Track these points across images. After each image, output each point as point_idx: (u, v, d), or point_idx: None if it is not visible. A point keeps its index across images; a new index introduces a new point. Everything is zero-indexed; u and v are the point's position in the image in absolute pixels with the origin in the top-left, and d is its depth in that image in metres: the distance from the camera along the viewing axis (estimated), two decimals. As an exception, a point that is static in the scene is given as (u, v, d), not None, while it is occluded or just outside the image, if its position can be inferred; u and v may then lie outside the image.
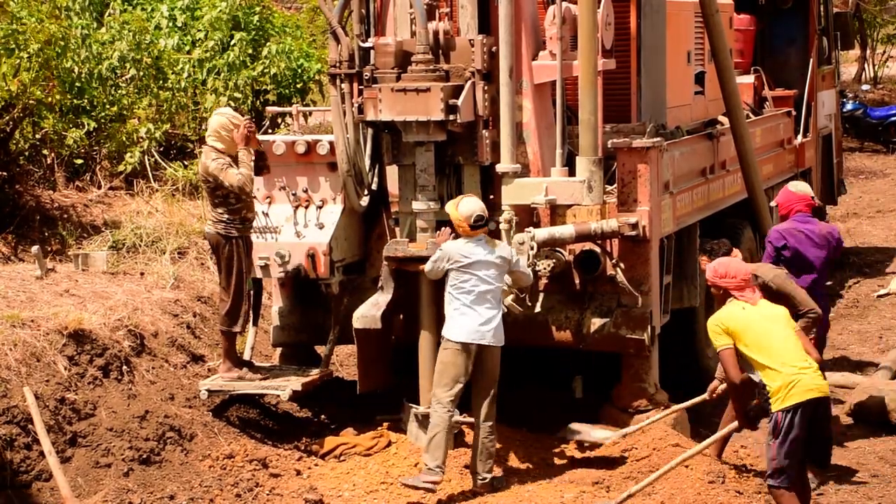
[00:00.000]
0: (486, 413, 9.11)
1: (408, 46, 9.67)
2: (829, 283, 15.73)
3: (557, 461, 9.78)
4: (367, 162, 10.24)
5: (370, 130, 10.21)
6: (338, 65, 9.88)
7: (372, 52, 9.83)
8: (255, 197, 9.99)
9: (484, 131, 9.71)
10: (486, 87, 9.61)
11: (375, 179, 10.36)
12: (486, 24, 9.80)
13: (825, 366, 12.03)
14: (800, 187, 10.18)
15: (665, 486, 8.85)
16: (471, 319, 9.01)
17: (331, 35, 9.93)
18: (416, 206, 9.70)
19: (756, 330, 7.87)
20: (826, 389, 7.86)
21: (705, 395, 9.61)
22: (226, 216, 9.71)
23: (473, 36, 9.66)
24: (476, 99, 9.60)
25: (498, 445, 9.44)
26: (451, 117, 9.43)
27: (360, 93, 9.81)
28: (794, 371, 7.72)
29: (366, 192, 10.21)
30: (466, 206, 9.10)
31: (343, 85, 9.88)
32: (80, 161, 14.37)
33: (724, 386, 9.14)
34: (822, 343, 9.85)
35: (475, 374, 9.13)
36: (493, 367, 9.13)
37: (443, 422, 9.04)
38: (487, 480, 9.06)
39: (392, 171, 10.30)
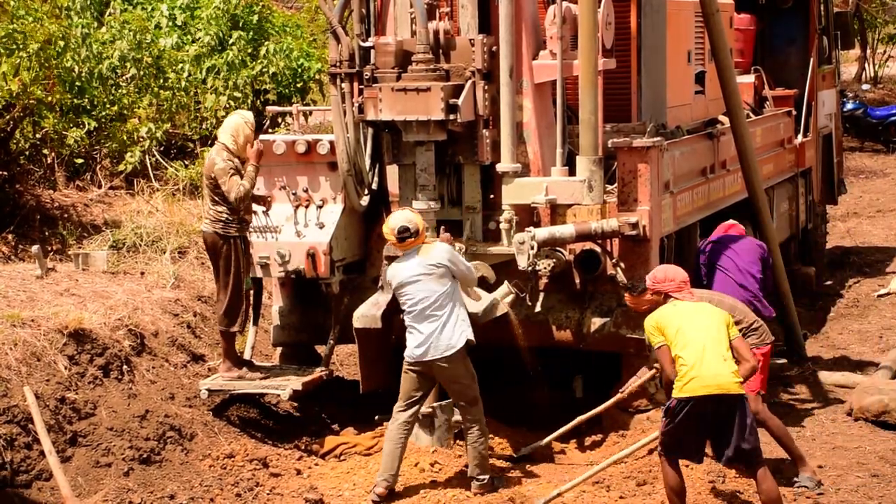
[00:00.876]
0: (468, 419, 9.06)
1: (408, 46, 9.67)
2: (829, 282, 15.76)
3: (557, 461, 9.78)
4: (368, 161, 10.23)
5: (370, 130, 10.21)
6: (338, 64, 9.88)
7: (372, 51, 9.83)
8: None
9: (484, 131, 9.71)
10: (486, 87, 9.61)
11: (376, 179, 10.35)
12: (487, 23, 9.80)
13: (826, 365, 12.09)
14: (737, 225, 11.11)
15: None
16: (413, 338, 8.95)
17: (331, 34, 9.93)
18: (417, 205, 9.70)
19: (680, 322, 8.08)
20: (731, 388, 7.86)
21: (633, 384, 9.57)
22: (225, 215, 9.70)
23: (474, 35, 9.67)
24: (476, 98, 9.60)
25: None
26: (452, 117, 9.43)
27: (361, 92, 9.81)
28: (699, 363, 7.87)
29: (366, 191, 10.21)
30: (393, 218, 9.03)
31: (343, 84, 9.88)
32: (80, 160, 14.37)
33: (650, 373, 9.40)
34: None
35: (444, 385, 9.14)
36: (453, 377, 9.02)
37: (391, 435, 9.02)
38: (486, 481, 9.05)
39: (392, 171, 10.29)
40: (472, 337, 8.99)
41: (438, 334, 8.85)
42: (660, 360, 8.19)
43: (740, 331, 8.78)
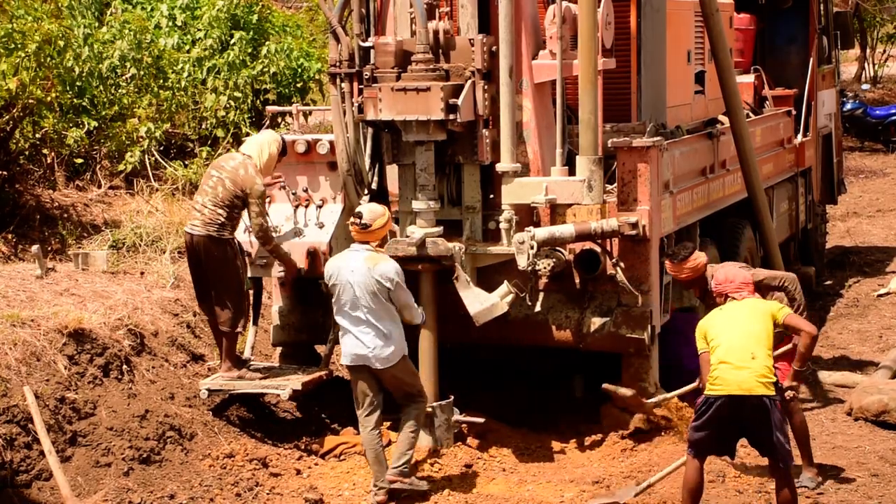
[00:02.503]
0: (412, 409, 9.01)
1: (408, 46, 9.67)
2: (829, 282, 15.76)
3: (557, 461, 9.78)
4: (367, 161, 10.23)
5: (370, 130, 10.20)
6: (338, 64, 9.87)
7: (372, 51, 9.83)
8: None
9: (484, 130, 9.71)
10: (486, 87, 9.61)
11: (375, 179, 10.35)
12: (487, 23, 9.80)
13: (825, 365, 12.08)
14: None
15: (665, 485, 8.86)
16: (350, 341, 8.85)
17: (331, 34, 9.93)
18: (416, 205, 9.70)
19: (719, 326, 8.18)
20: (753, 388, 7.88)
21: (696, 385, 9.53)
22: (222, 219, 9.68)
23: (473, 35, 9.66)
24: (476, 98, 9.60)
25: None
26: (451, 117, 9.42)
27: (360, 92, 9.80)
28: (722, 364, 7.98)
29: (366, 191, 10.20)
30: (362, 206, 9.04)
31: (343, 84, 9.87)
32: (80, 160, 14.37)
33: None
34: None
35: (387, 385, 9.01)
36: (394, 383, 8.96)
37: (367, 442, 8.95)
38: (400, 470, 8.89)
39: (392, 171, 10.29)
40: (406, 351, 8.96)
41: (381, 344, 8.78)
42: (700, 366, 8.26)
43: (792, 299, 9.04)
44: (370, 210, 8.91)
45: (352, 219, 8.85)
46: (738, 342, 8.03)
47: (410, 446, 8.98)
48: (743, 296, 8.46)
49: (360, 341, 8.81)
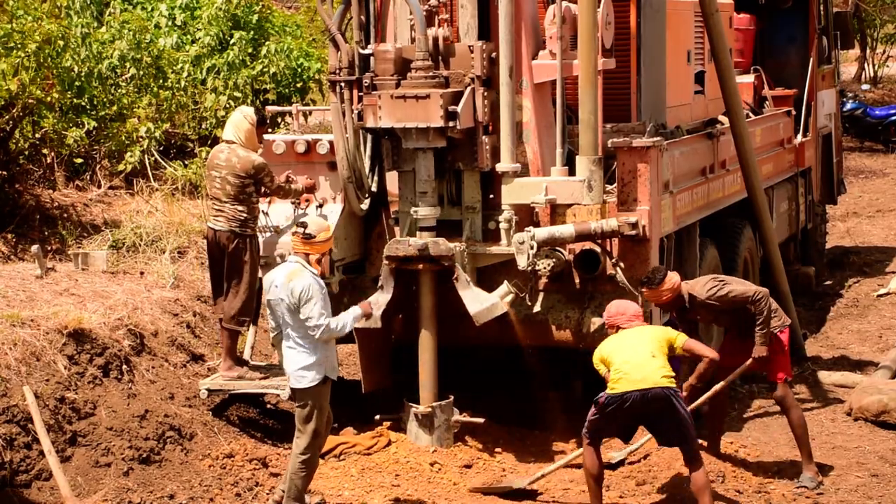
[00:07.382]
0: (298, 445, 8.55)
1: (407, 53, 9.66)
2: (829, 282, 15.76)
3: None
4: (367, 163, 10.21)
5: (370, 134, 10.19)
6: (337, 71, 9.86)
7: (371, 58, 9.82)
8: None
9: (484, 137, 9.70)
10: (485, 93, 9.60)
11: (375, 179, 10.34)
12: (486, 23, 9.79)
13: (825, 365, 12.09)
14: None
15: (665, 486, 8.86)
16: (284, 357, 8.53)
17: (330, 42, 9.91)
18: (416, 212, 9.69)
19: (617, 346, 8.55)
20: (658, 381, 8.25)
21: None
22: (244, 214, 9.72)
23: (473, 38, 9.66)
24: (476, 105, 9.59)
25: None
26: (451, 124, 9.42)
27: (360, 100, 9.79)
28: (627, 365, 8.33)
29: (366, 195, 10.17)
30: (308, 217, 8.73)
31: (343, 92, 9.85)
32: (79, 160, 14.37)
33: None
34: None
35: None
36: (300, 403, 8.54)
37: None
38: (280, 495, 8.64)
39: (392, 172, 10.28)
40: (322, 378, 8.47)
41: (295, 364, 8.37)
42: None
43: (760, 313, 9.08)
44: (316, 222, 8.54)
45: (295, 228, 8.48)
46: (637, 348, 8.43)
47: (300, 489, 8.49)
48: (633, 325, 8.73)
49: (285, 357, 8.45)
